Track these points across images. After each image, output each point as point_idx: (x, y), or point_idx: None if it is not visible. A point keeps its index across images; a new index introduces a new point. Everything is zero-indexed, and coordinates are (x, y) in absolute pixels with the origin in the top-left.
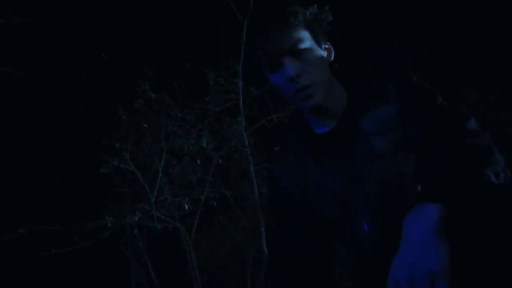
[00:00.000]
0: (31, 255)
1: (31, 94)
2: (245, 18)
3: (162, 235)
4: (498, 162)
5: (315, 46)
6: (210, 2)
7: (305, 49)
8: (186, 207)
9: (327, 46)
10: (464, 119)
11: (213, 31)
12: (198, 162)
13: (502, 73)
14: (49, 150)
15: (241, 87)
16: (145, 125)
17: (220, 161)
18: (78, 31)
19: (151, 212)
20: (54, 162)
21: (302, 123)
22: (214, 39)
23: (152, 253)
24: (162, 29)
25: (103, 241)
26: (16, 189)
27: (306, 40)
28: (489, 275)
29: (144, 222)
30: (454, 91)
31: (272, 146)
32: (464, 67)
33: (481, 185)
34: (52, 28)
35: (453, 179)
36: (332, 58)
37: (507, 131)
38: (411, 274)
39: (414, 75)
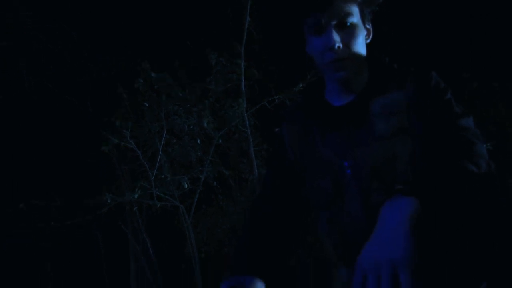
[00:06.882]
0: (30, 229)
1: (31, 69)
2: None
3: (161, 213)
4: (481, 154)
5: (360, 23)
6: None
7: (352, 24)
8: (186, 185)
9: (368, 27)
10: (463, 116)
11: (216, 11)
12: (198, 141)
13: (508, 61)
14: (50, 127)
15: (243, 68)
16: (145, 104)
17: (220, 141)
18: (79, 10)
19: (151, 190)
20: (55, 139)
21: (317, 92)
22: (216, 19)
23: (150, 231)
24: (164, 8)
25: (102, 218)
26: (16, 165)
27: (355, 16)
28: (461, 267)
29: (143, 200)
30: (456, 77)
31: (273, 127)
32: (468, 53)
33: (459, 176)
34: (55, 6)
35: (434, 169)
36: (370, 39)
37: (504, 122)
38: (377, 262)
39: (434, 72)
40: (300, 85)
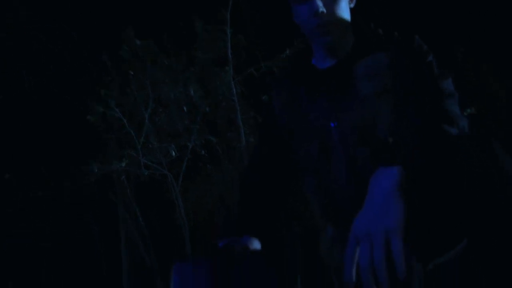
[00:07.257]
0: (18, 199)
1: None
2: None
3: (150, 182)
4: (459, 116)
5: None
6: None
7: None
8: (173, 153)
9: None
10: (443, 77)
11: None
12: (185, 109)
13: (501, 41)
14: (35, 96)
15: (229, 35)
16: (130, 72)
17: (207, 109)
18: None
19: (138, 158)
20: (40, 109)
21: (304, 59)
22: None
23: (140, 200)
24: None
25: (92, 188)
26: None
27: None
28: (445, 231)
29: (131, 169)
30: (450, 57)
31: (260, 95)
32: (461, 33)
33: (439, 138)
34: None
35: (414, 132)
36: (354, 4)
37: (496, 96)
38: (369, 231)
39: (417, 36)
40: (287, 52)
